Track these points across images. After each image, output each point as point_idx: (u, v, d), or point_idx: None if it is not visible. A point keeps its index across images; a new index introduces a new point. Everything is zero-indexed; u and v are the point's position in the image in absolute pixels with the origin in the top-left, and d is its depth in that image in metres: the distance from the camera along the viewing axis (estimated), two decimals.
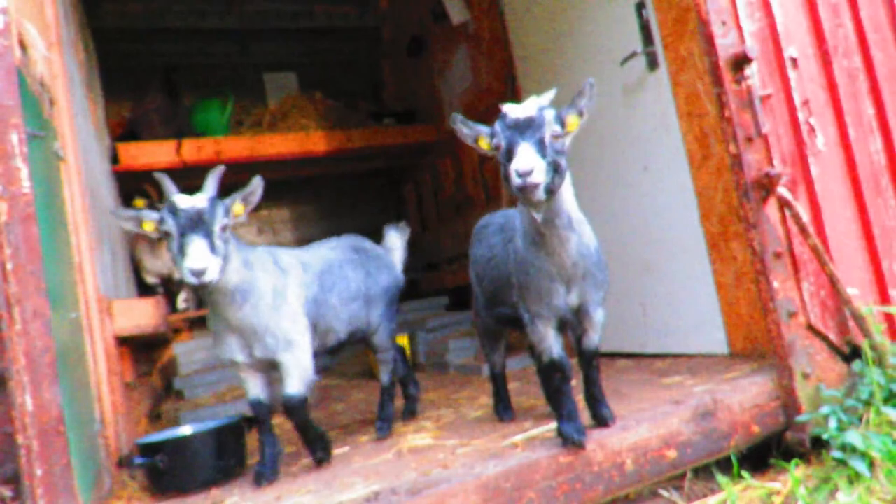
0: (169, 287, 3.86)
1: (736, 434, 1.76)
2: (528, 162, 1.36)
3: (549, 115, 1.45)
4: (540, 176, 1.36)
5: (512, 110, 1.46)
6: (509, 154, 1.41)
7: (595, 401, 1.71)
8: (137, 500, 1.81)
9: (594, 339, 1.72)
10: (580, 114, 1.51)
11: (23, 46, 1.48)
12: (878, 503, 1.50)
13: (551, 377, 1.67)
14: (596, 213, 2.81)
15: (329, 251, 2.13)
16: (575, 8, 2.86)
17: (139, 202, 3.59)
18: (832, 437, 1.68)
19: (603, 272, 1.67)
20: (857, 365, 1.82)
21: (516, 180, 1.36)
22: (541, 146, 1.40)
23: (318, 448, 1.84)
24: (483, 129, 1.53)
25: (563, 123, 1.48)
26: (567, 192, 1.53)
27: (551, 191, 1.42)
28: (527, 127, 1.42)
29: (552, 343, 1.67)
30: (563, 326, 1.69)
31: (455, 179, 4.48)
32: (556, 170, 1.42)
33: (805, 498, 1.56)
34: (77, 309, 1.74)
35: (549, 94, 1.52)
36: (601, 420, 1.68)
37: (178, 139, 3.87)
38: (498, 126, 1.47)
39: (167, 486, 1.78)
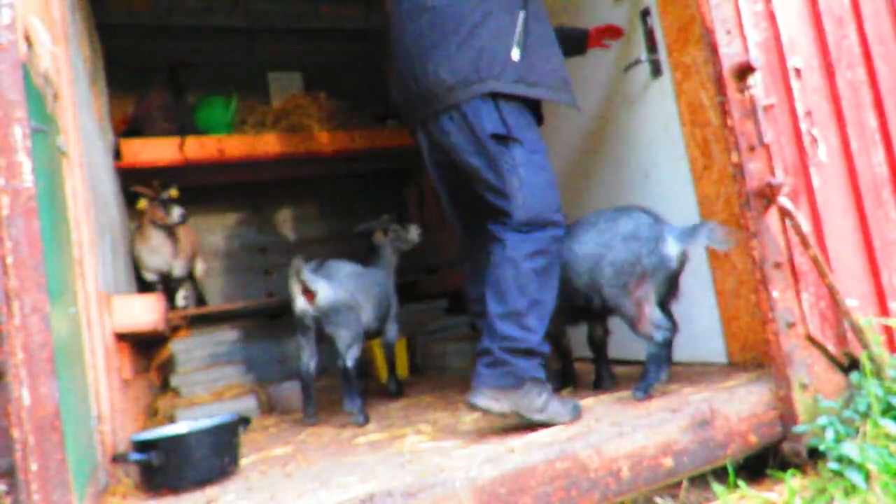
0: (168, 284, 3.86)
1: (733, 443, 1.76)
2: None
3: None
4: None
5: None
6: None
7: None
8: (133, 496, 1.80)
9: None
10: None
11: (28, 41, 1.49)
12: None
13: None
14: None
15: None
16: (579, 13, 2.86)
17: (142, 203, 3.59)
18: (829, 449, 1.67)
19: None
20: (855, 376, 1.82)
21: None
22: None
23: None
24: None
25: None
26: None
27: None
28: None
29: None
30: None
31: None
32: None
33: None
34: (76, 304, 1.74)
35: None
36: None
37: (181, 136, 3.87)
38: None
39: (161, 484, 1.78)
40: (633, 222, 2.11)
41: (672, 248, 2.04)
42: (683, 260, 2.10)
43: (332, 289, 2.53)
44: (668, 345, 2.05)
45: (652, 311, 2.04)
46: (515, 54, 1.96)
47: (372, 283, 2.84)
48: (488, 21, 1.97)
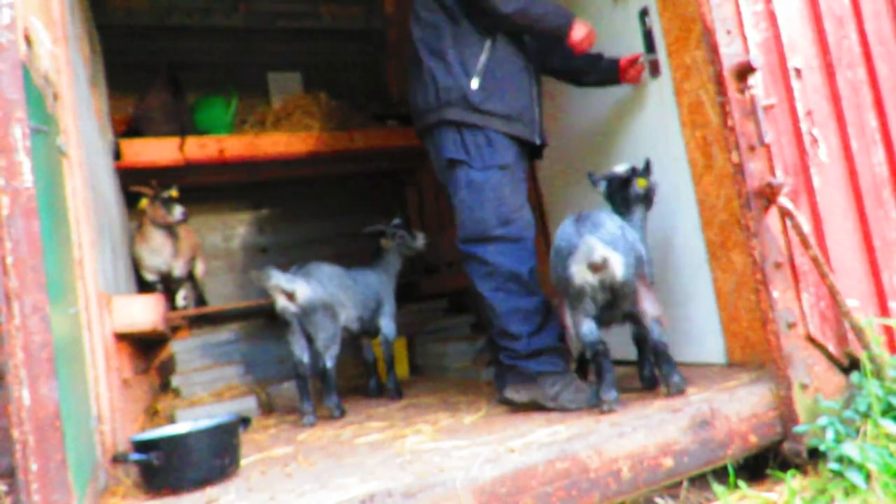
0: (168, 284, 3.85)
1: (733, 444, 1.76)
2: None
3: None
4: None
5: None
6: None
7: None
8: (132, 497, 1.80)
9: None
10: None
11: (28, 41, 1.49)
12: None
13: None
14: None
15: None
16: (578, 14, 2.86)
17: (143, 203, 3.58)
18: (829, 449, 1.67)
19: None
20: (855, 377, 1.82)
21: None
22: None
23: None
24: None
25: None
26: None
27: None
28: None
29: None
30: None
31: None
32: None
33: None
34: (76, 304, 1.74)
35: None
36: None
37: (181, 137, 3.86)
38: None
39: (161, 484, 1.78)
40: (559, 234, 2.09)
41: (573, 265, 1.93)
42: (610, 275, 1.92)
43: (310, 287, 2.69)
44: (595, 361, 1.97)
45: (578, 327, 2.01)
46: (475, 83, 2.21)
47: (353, 283, 2.95)
48: (450, 52, 2.22)
